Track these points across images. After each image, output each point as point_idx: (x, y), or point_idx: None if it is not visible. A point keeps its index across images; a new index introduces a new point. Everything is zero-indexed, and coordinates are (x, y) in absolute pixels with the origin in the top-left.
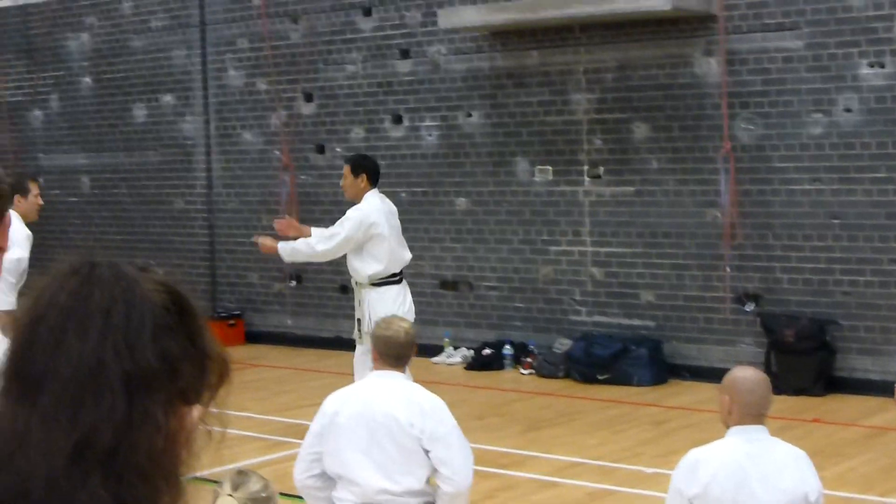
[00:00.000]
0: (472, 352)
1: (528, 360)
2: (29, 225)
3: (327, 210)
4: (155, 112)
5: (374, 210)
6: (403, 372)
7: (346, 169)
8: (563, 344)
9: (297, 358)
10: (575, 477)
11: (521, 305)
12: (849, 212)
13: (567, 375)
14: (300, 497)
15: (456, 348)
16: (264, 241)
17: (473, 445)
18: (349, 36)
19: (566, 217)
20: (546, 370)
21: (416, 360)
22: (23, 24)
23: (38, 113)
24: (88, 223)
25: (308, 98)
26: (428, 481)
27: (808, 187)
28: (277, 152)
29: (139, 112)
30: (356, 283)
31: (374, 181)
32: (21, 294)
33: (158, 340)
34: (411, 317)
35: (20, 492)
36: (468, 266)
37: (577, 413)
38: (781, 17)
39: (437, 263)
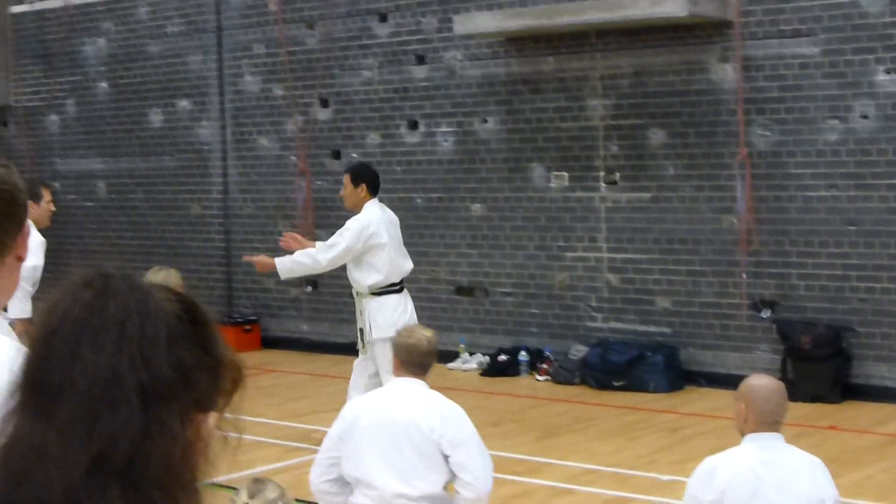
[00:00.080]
0: (487, 358)
1: (544, 366)
2: (44, 230)
3: (343, 216)
4: (171, 117)
5: (374, 220)
6: (425, 380)
7: (346, 178)
8: (578, 350)
9: (313, 363)
10: (590, 484)
11: (536, 311)
12: (865, 218)
13: (583, 382)
14: (316, 503)
15: (471, 354)
16: (258, 259)
17: (489, 452)
18: (365, 42)
19: (582, 223)
20: (562, 376)
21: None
22: (39, 30)
23: (54, 118)
24: (104, 228)
25: (324, 104)
26: (446, 488)
27: (824, 194)
28: (293, 158)
29: (155, 117)
30: (356, 292)
31: (373, 191)
32: (36, 301)
33: (173, 350)
34: None
35: None
36: (484, 272)
37: (593, 420)
38: (798, 23)
39: (453, 269)
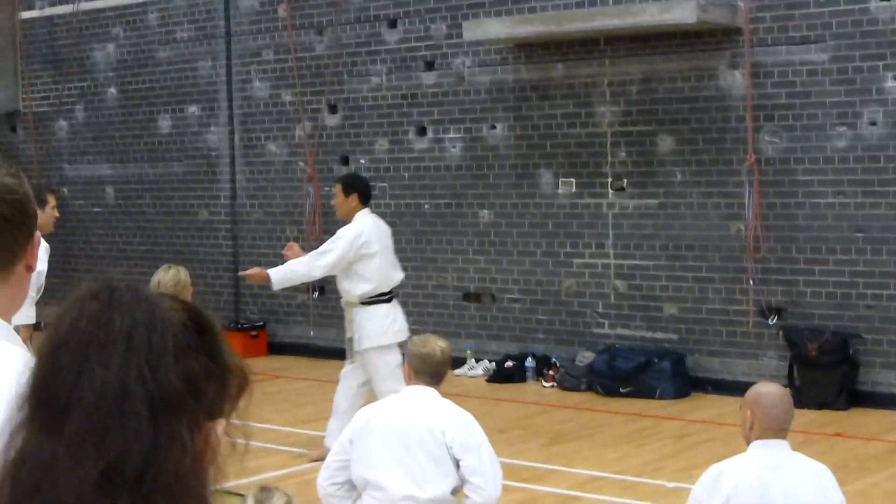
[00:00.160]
0: (494, 364)
1: (551, 372)
2: (50, 236)
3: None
4: (180, 123)
5: (366, 229)
6: (438, 389)
7: (338, 188)
8: (585, 357)
9: (320, 369)
10: (596, 491)
11: (543, 318)
12: (873, 225)
13: (589, 388)
14: None
15: (478, 360)
16: (252, 273)
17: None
18: (374, 48)
19: (590, 229)
20: (568, 383)
21: None
22: (49, 35)
23: (63, 123)
24: (112, 233)
25: (332, 109)
26: (454, 494)
27: (832, 200)
28: (302, 163)
29: (164, 123)
30: (346, 302)
31: (365, 200)
32: (40, 306)
33: (180, 361)
34: (404, 335)
35: None
36: (491, 278)
37: (600, 426)
38: (806, 29)
39: (461, 275)
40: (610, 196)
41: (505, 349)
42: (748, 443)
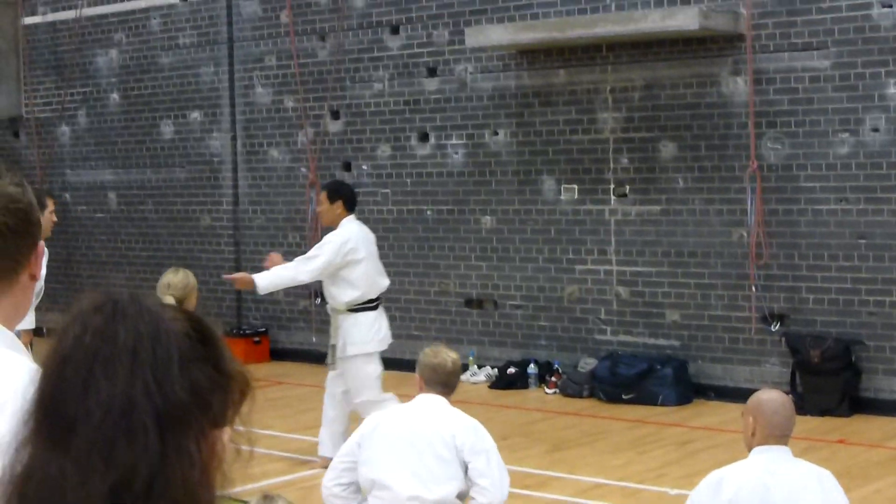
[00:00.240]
0: (496, 370)
1: (553, 379)
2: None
3: None
4: (182, 129)
5: (352, 235)
6: (448, 399)
7: (323, 195)
8: (587, 363)
9: (322, 375)
10: (599, 498)
11: (546, 324)
12: (875, 232)
13: (592, 395)
14: None
15: (480, 367)
16: (237, 277)
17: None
18: (377, 54)
19: (592, 236)
20: (571, 389)
21: None
22: (52, 41)
23: (65, 129)
24: (115, 239)
25: (335, 115)
26: (460, 498)
27: (834, 207)
28: (304, 169)
29: (166, 129)
30: (332, 309)
31: (350, 207)
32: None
33: (186, 372)
34: (387, 344)
35: None
36: (493, 284)
37: (602, 433)
38: (809, 36)
39: (463, 282)
40: (612, 202)
41: (507, 355)
42: (750, 449)
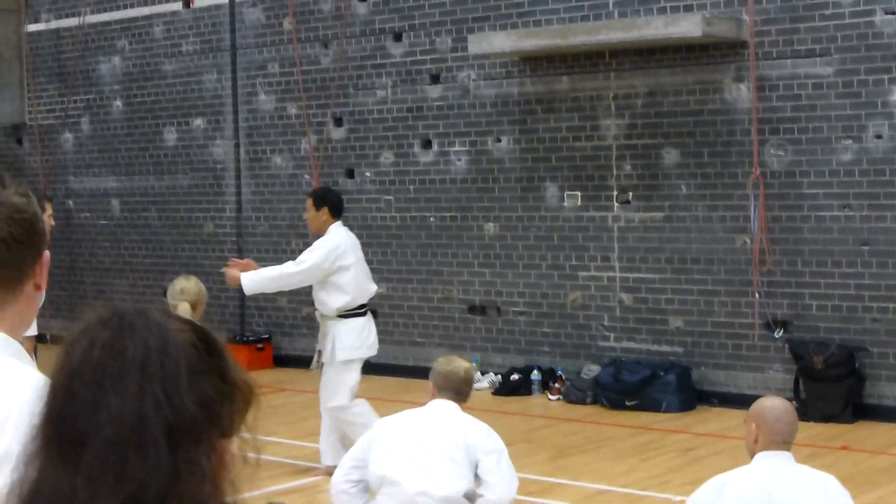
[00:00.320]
0: (499, 377)
1: (557, 385)
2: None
3: (356, 234)
4: (185, 136)
5: (341, 241)
6: (460, 406)
7: (309, 202)
8: (591, 370)
9: None
10: None
11: (549, 331)
12: (878, 238)
13: (595, 401)
14: None
15: (484, 373)
16: (229, 272)
17: None
18: (380, 61)
19: (595, 242)
20: (574, 396)
21: None
22: (55, 48)
23: (68, 136)
24: (118, 246)
25: (338, 122)
26: (467, 497)
27: (837, 213)
28: (307, 176)
29: (169, 135)
30: (321, 315)
31: (336, 214)
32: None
33: (195, 385)
34: (375, 350)
35: None
36: (496, 291)
37: (605, 440)
38: (812, 43)
39: (466, 288)
40: (615, 209)
41: (510, 362)
42: (752, 456)
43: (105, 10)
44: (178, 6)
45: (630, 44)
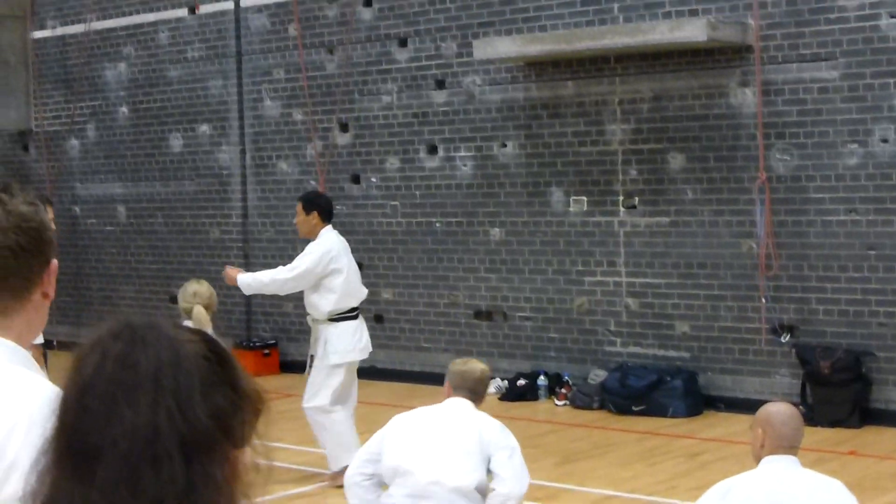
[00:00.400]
0: (506, 382)
1: (563, 390)
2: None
3: (362, 240)
4: (191, 142)
5: (333, 245)
6: (475, 406)
7: (299, 206)
8: (597, 375)
9: None
10: None
11: (555, 336)
12: (885, 242)
13: (602, 406)
14: None
15: (490, 379)
16: (227, 271)
17: None
18: (385, 66)
19: (601, 247)
20: (581, 401)
21: None
22: (61, 55)
23: (74, 142)
24: (124, 252)
25: (344, 128)
26: (479, 490)
27: (843, 218)
28: (313, 182)
29: (175, 142)
30: (313, 319)
31: (326, 218)
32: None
33: (208, 398)
34: (367, 353)
35: None
36: (502, 296)
37: (612, 445)
38: (817, 47)
39: (472, 293)
40: (621, 214)
41: (517, 367)
42: (758, 461)
43: (111, 17)
44: (184, 13)
45: (635, 48)
